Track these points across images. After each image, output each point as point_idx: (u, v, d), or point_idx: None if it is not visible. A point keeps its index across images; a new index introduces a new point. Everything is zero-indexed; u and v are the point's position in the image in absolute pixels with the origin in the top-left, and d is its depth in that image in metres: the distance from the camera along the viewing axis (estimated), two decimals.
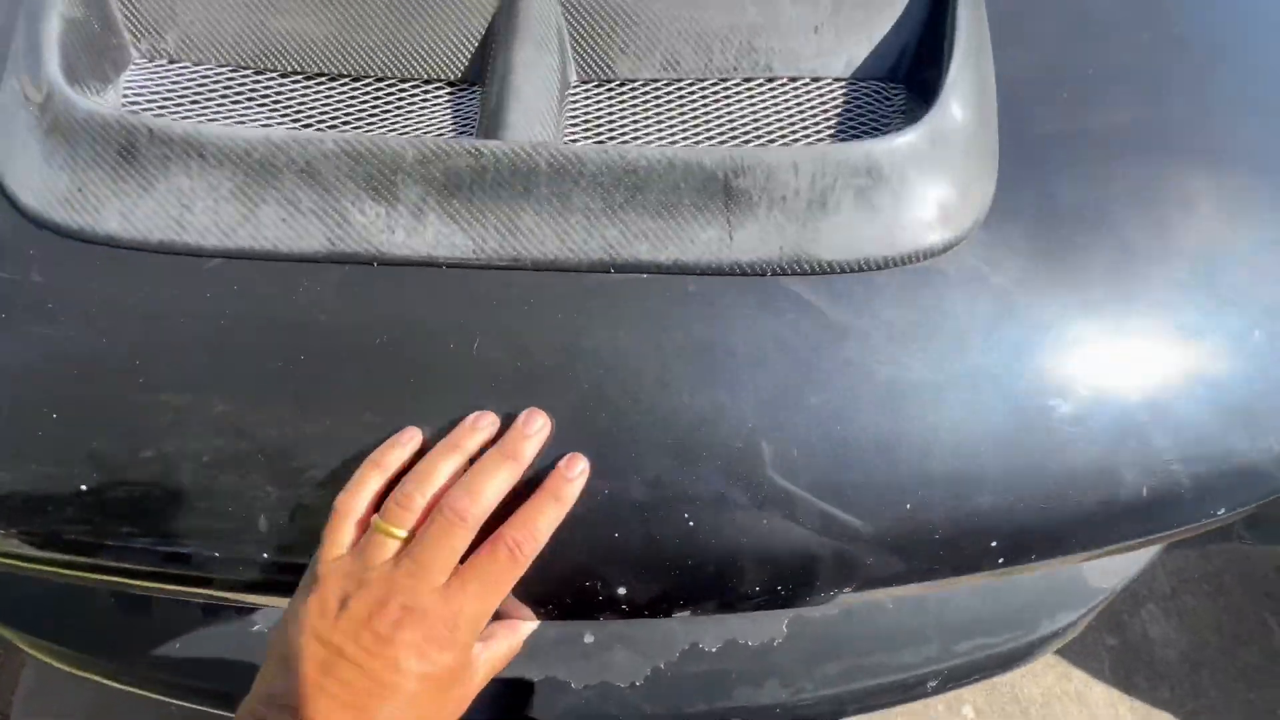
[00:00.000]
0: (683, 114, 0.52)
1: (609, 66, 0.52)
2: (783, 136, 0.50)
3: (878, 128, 0.51)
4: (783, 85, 0.54)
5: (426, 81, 0.52)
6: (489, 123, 0.47)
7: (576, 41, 0.52)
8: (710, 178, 0.42)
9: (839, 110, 0.52)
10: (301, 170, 0.41)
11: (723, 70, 0.53)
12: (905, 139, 0.43)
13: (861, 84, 0.54)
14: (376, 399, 0.39)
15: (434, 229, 0.41)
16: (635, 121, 0.51)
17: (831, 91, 0.54)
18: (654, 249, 0.41)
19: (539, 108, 0.48)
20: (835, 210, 0.43)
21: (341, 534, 0.37)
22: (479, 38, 0.51)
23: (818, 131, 0.51)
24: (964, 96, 0.46)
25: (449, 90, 0.52)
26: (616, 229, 0.42)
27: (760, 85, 0.54)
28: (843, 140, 0.50)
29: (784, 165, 0.42)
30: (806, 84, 0.54)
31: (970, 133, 0.46)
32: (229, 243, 0.41)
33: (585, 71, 0.53)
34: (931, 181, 0.43)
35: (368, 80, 0.52)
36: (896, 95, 0.53)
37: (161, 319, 0.40)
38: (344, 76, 0.52)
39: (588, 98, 0.53)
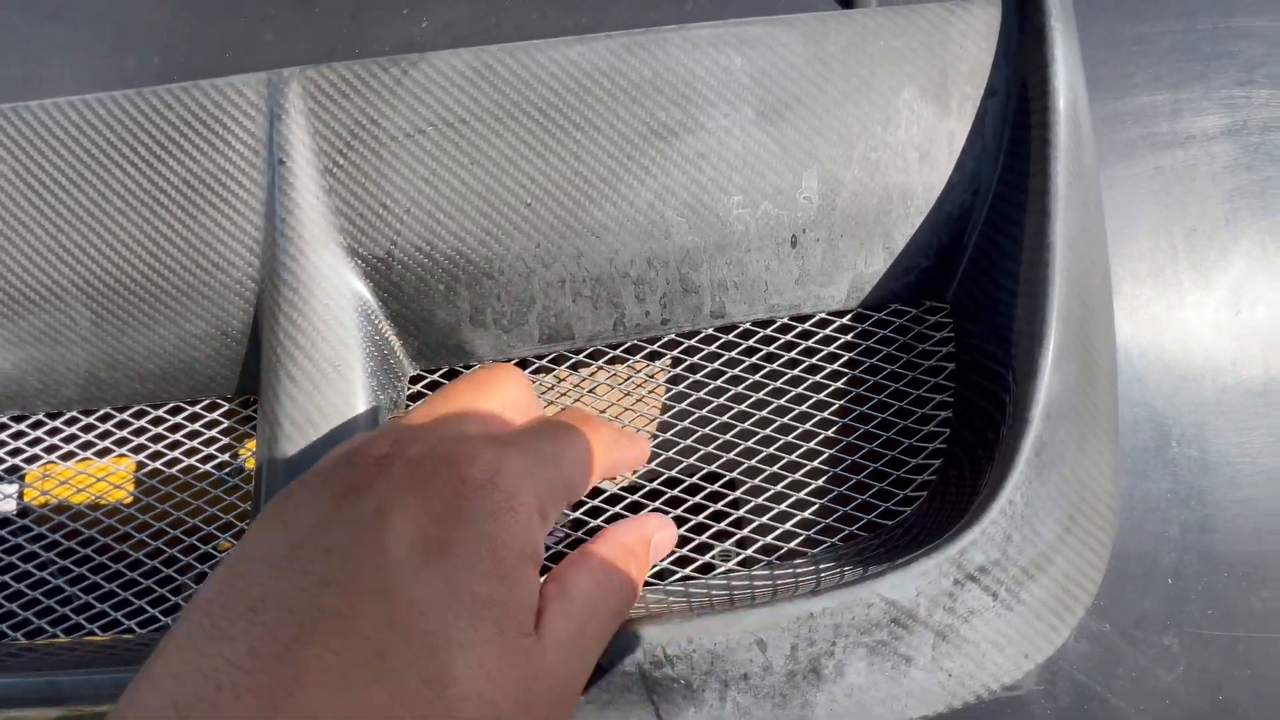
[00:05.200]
0: (581, 396, 0.32)
1: (459, 348, 0.31)
2: (733, 444, 0.30)
3: (911, 408, 0.30)
4: (745, 336, 0.32)
5: (188, 405, 0.33)
6: (266, 500, 0.29)
7: (398, 319, 0.30)
8: (613, 674, 0.25)
9: (844, 376, 0.31)
10: None
11: (644, 328, 0.31)
12: (946, 556, 0.24)
13: (878, 316, 0.31)
14: None
15: None
16: None
17: (828, 338, 0.31)
18: None
19: (331, 426, 0.29)
20: (835, 678, 0.26)
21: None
22: (244, 337, 0.30)
23: (807, 433, 0.30)
24: (1065, 401, 0.25)
25: (222, 412, 0.33)
26: None
27: (710, 341, 0.32)
28: (838, 539, 0.30)
29: (739, 644, 0.24)
30: (784, 329, 0.32)
31: (1074, 472, 0.26)
32: None
33: (425, 358, 0.31)
34: (1001, 598, 0.25)
35: (100, 415, 0.32)
36: (939, 332, 0.31)
37: None
38: (66, 414, 0.32)
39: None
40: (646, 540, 0.25)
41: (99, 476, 0.34)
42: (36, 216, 0.31)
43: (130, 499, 0.34)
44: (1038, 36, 0.29)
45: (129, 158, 0.30)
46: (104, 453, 0.33)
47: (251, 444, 0.34)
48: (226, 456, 0.33)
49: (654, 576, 0.30)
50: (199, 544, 0.31)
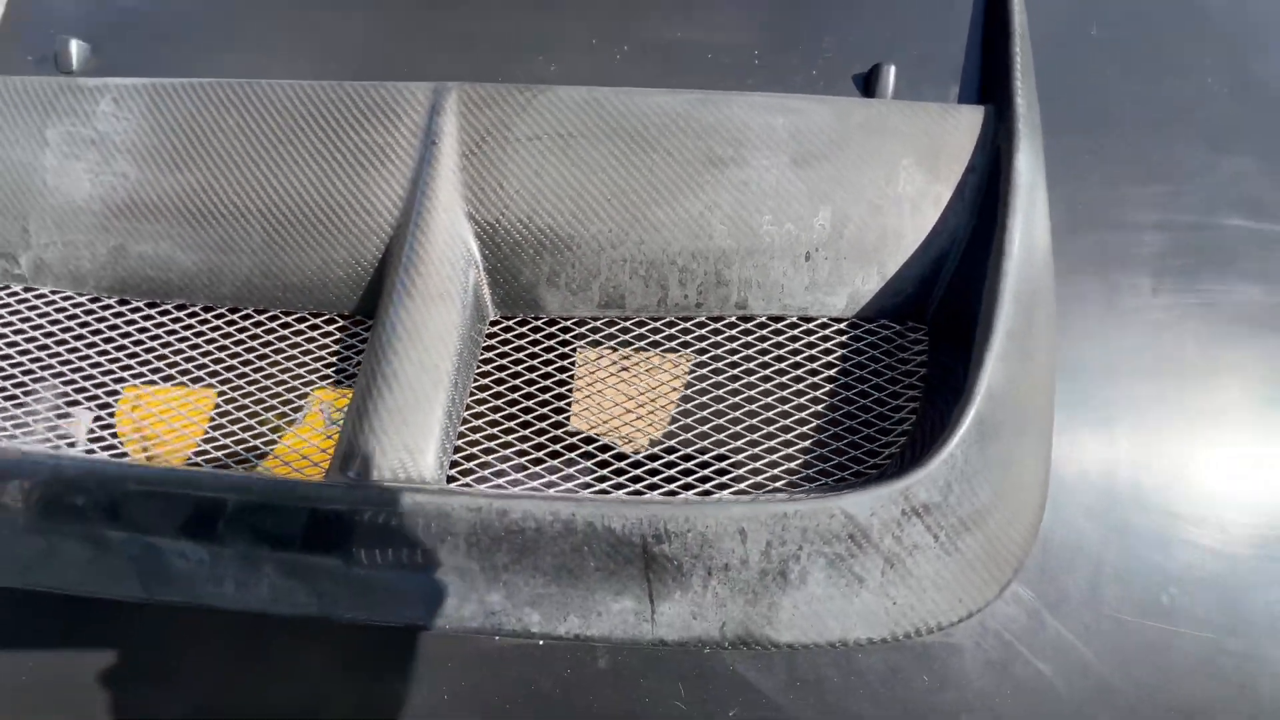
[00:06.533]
0: (618, 371, 0.40)
1: (534, 302, 0.40)
2: (740, 408, 0.38)
3: (887, 400, 0.37)
4: (760, 327, 0.40)
5: (312, 316, 0.42)
6: (372, 379, 0.37)
7: (493, 271, 0.40)
8: (621, 543, 0.31)
9: (835, 367, 0.39)
10: (104, 510, 0.33)
11: (681, 308, 0.40)
12: (897, 488, 0.30)
13: (869, 326, 0.40)
14: None
15: (269, 582, 0.33)
16: (561, 375, 0.40)
17: (826, 337, 0.40)
18: (548, 619, 0.32)
19: (432, 358, 0.37)
20: (799, 584, 0.31)
21: None
22: (372, 269, 0.40)
23: (799, 405, 0.38)
24: (1003, 401, 0.32)
25: (337, 326, 0.42)
26: (499, 594, 0.32)
27: (731, 327, 0.41)
28: (822, 457, 0.37)
29: (725, 531, 0.31)
30: (792, 326, 0.40)
31: (1008, 452, 0.32)
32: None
33: (507, 306, 0.41)
34: (942, 541, 0.31)
35: (243, 314, 0.42)
36: (916, 345, 0.39)
37: None
38: (217, 309, 0.42)
39: (506, 342, 0.41)
40: None
41: (189, 395, 0.42)
42: (247, 156, 0.41)
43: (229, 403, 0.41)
44: (1008, 134, 0.38)
45: (322, 125, 0.41)
46: (241, 343, 0.41)
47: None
48: (337, 360, 0.41)
49: (664, 494, 0.36)
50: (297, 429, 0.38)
